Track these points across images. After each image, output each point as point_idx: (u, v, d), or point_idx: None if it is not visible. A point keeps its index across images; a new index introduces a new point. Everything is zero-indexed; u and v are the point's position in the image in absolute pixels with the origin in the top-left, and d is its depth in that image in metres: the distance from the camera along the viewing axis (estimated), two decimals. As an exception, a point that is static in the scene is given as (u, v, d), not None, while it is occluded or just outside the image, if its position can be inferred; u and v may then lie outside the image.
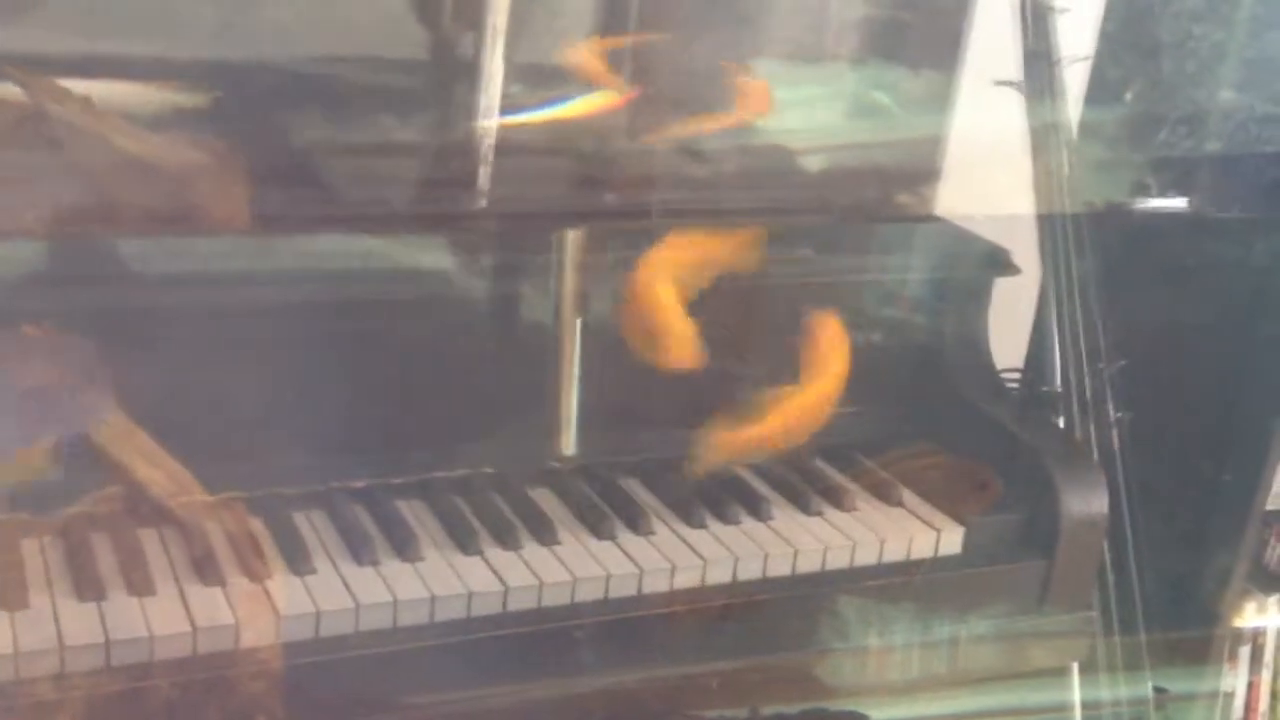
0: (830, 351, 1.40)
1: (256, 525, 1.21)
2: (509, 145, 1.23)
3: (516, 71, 1.22)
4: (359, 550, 1.20)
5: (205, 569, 1.14)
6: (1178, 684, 1.56)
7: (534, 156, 1.31)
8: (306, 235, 1.17)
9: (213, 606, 1.10)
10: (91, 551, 1.14)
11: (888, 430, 1.52)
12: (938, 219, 1.57)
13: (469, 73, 1.20)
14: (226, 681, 1.06)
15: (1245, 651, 1.71)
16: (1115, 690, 1.46)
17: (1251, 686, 1.73)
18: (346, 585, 1.16)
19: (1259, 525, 1.76)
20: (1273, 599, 1.74)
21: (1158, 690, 1.48)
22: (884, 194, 1.54)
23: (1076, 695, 1.44)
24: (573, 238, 1.26)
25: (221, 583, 1.13)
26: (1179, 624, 1.59)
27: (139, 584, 1.11)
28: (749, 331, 1.45)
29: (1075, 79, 1.51)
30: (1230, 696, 1.70)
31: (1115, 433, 1.53)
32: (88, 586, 1.09)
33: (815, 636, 1.30)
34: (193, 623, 1.08)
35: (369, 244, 1.21)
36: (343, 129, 1.21)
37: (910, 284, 1.53)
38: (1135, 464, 1.54)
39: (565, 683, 1.18)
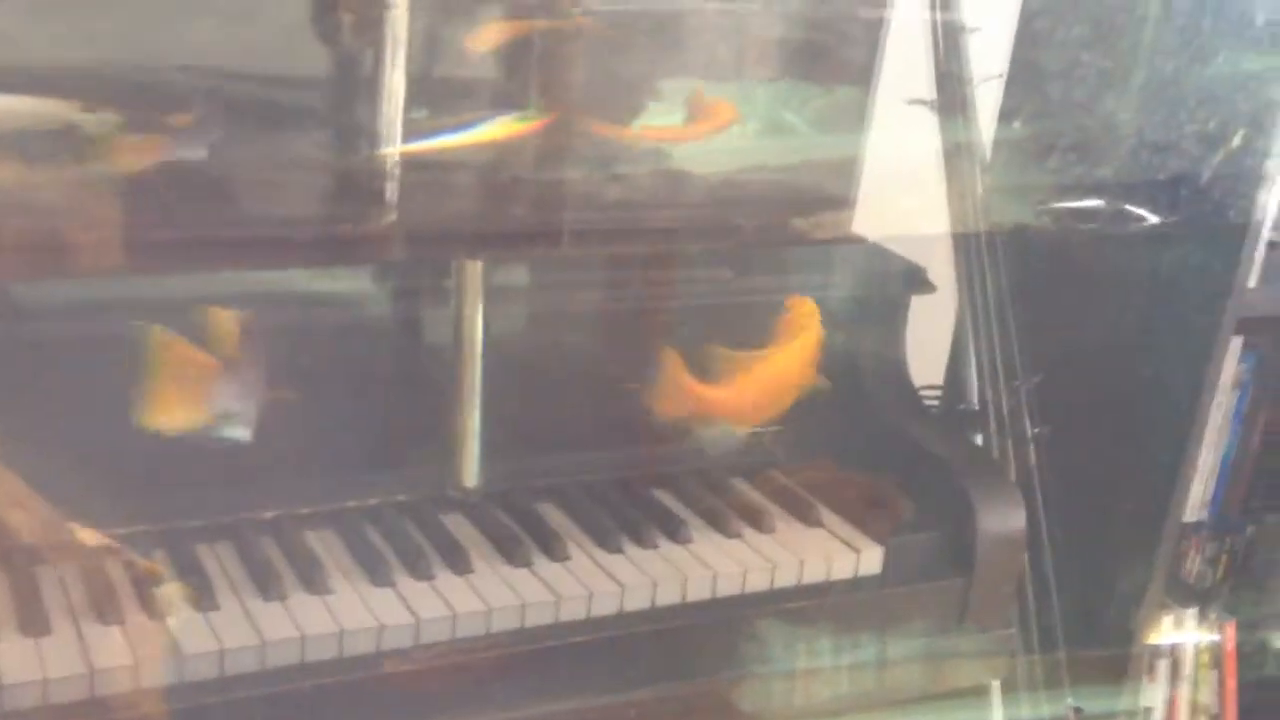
0: (801, 327, 1.39)
1: (159, 561, 1.17)
2: (412, 165, 1.21)
3: (419, 89, 1.20)
4: (266, 584, 1.17)
5: (103, 607, 1.10)
6: (1097, 701, 1.56)
7: (437, 176, 1.28)
8: (197, 260, 1.13)
9: (110, 646, 1.06)
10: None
11: (807, 450, 1.51)
12: (854, 238, 1.57)
13: (369, 90, 1.17)
14: None
15: (1164, 665, 1.72)
16: (1036, 709, 1.46)
17: (1171, 702, 1.74)
18: (252, 621, 1.13)
19: (1175, 539, 1.77)
20: (1190, 612, 1.75)
21: (1076, 710, 1.48)
22: (800, 213, 1.53)
23: (998, 714, 1.44)
24: (478, 261, 1.23)
25: (120, 621, 1.09)
26: (1098, 639, 1.60)
27: (33, 624, 1.07)
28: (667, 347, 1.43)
29: (988, 98, 1.51)
30: (1149, 712, 1.71)
31: (1032, 449, 1.53)
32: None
33: (735, 661, 1.29)
34: (90, 664, 1.04)
35: (268, 269, 1.18)
36: (237, 146, 1.18)
37: (828, 302, 1.53)
38: (1053, 480, 1.54)
39: (479, 717, 1.15)
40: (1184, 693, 1.75)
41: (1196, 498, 1.81)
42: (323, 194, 1.24)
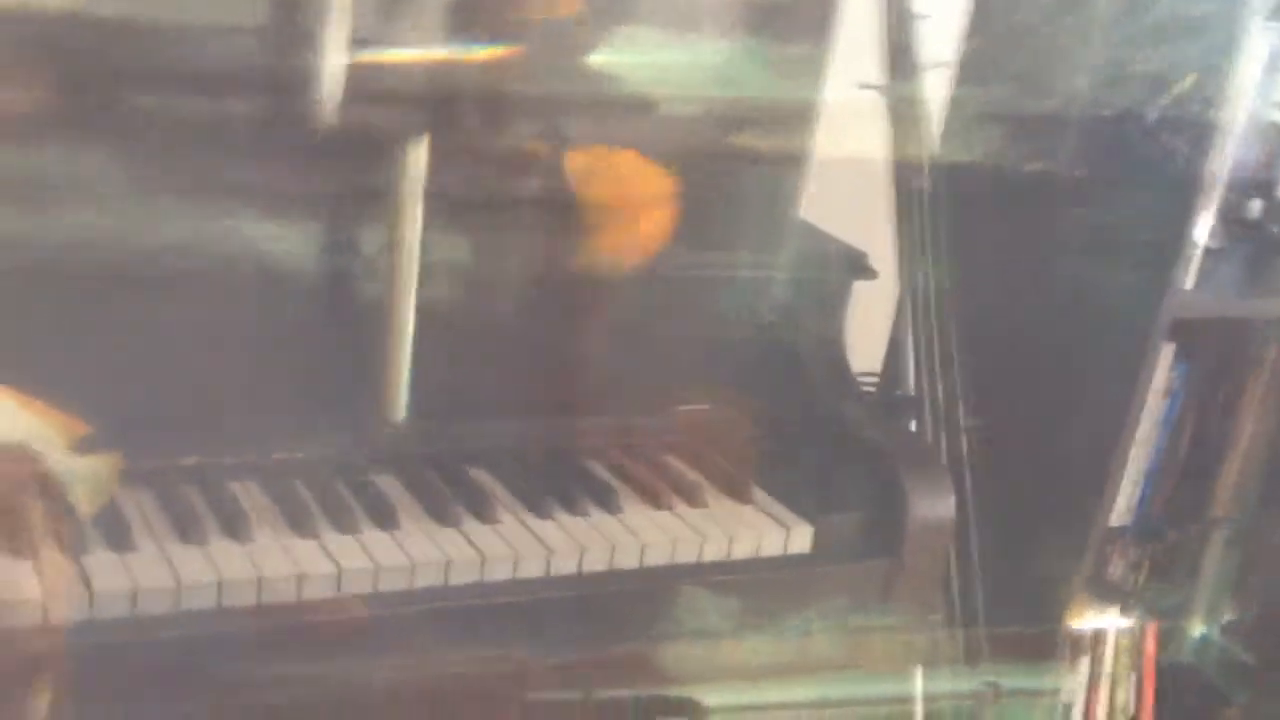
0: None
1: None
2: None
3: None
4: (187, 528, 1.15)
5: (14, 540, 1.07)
6: (1016, 680, 1.57)
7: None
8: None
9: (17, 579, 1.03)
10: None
11: (741, 428, 1.51)
12: (799, 221, 1.57)
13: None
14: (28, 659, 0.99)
15: (1084, 662, 1.74)
16: (955, 686, 1.46)
17: (1089, 699, 1.76)
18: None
19: (1100, 542, 1.79)
20: (1112, 610, 1.77)
21: (992, 686, 1.49)
22: (746, 192, 1.53)
23: (918, 692, 1.45)
24: (418, 201, 1.22)
25: (32, 555, 1.06)
26: (1021, 632, 1.61)
27: None
28: (606, 320, 1.43)
29: (937, 86, 1.52)
30: (1068, 697, 1.73)
31: (964, 439, 1.54)
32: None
33: (661, 630, 1.28)
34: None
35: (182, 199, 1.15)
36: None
37: (768, 283, 1.53)
38: (984, 471, 1.55)
39: (398, 665, 1.14)
40: (1103, 692, 1.76)
41: (1123, 502, 1.83)
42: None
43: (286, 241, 1.26)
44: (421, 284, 1.26)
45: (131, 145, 1.19)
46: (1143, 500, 1.87)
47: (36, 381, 1.08)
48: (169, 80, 1.19)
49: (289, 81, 1.18)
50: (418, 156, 1.20)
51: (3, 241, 1.11)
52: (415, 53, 1.24)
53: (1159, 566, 1.92)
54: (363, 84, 1.19)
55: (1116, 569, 1.89)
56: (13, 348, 1.05)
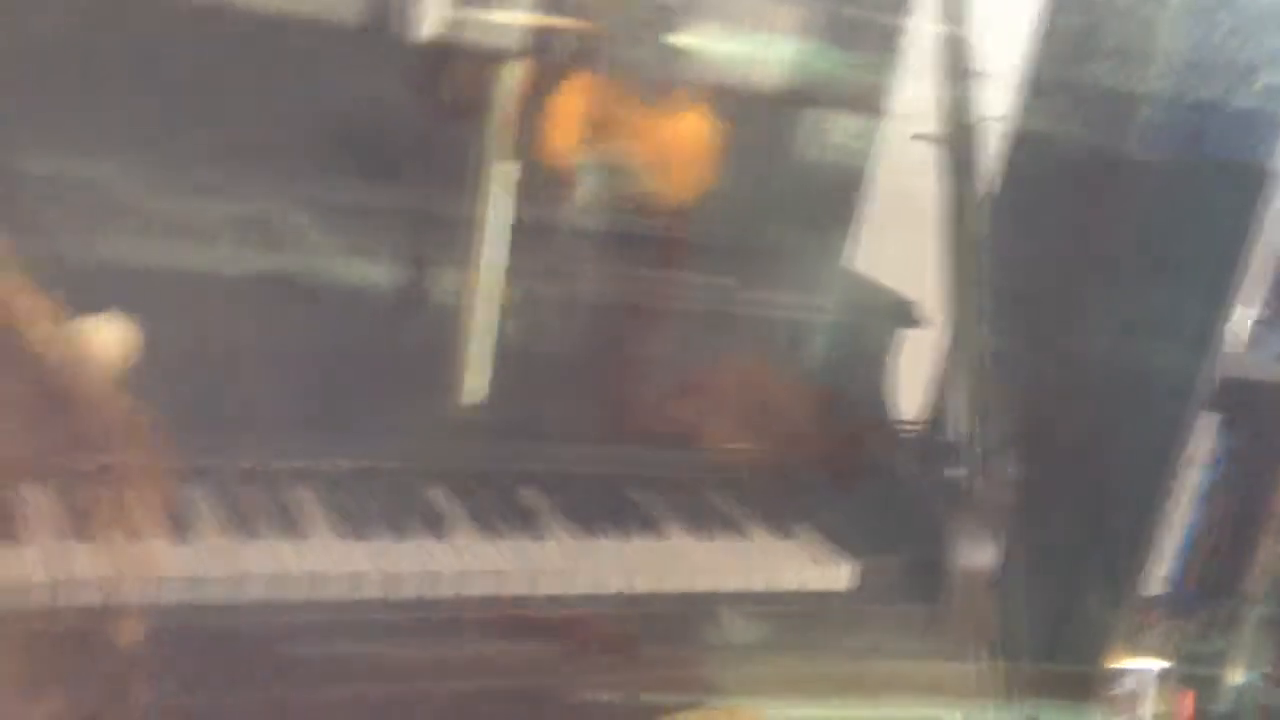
0: None
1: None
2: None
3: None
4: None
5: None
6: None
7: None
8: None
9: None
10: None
11: (786, 468, 1.52)
12: (849, 269, 1.60)
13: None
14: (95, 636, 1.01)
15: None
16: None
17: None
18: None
19: (1136, 609, 1.79)
20: (1147, 675, 1.76)
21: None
22: (800, 237, 1.56)
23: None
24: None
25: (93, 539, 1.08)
26: (1058, 681, 1.60)
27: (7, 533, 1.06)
28: (660, 350, 1.45)
29: (991, 137, 1.55)
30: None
31: (1008, 490, 1.54)
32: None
33: (698, 651, 1.29)
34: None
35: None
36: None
37: (817, 324, 1.55)
38: (1024, 523, 1.55)
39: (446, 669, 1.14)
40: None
41: (1159, 571, 1.83)
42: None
43: (358, 255, 1.29)
44: (488, 305, 1.29)
45: (210, 155, 1.23)
46: (1178, 571, 1.86)
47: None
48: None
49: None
50: (506, 176, 1.22)
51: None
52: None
53: (1192, 638, 1.91)
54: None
55: (1150, 637, 1.88)
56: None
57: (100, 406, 0.96)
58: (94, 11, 1.16)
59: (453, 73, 1.18)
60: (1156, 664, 1.74)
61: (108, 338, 1.05)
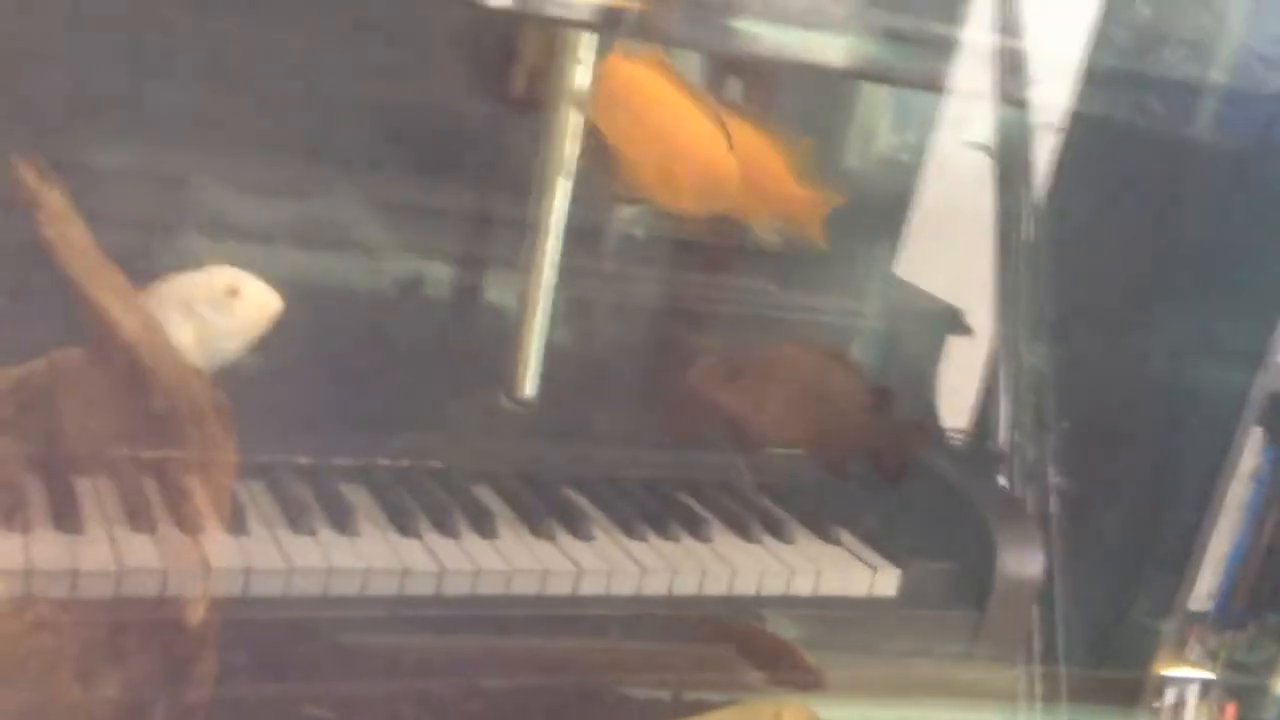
0: None
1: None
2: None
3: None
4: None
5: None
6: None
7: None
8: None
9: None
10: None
11: (829, 474, 1.53)
12: (898, 276, 1.60)
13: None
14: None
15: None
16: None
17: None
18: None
19: (1181, 623, 1.77)
20: (1191, 690, 1.75)
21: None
22: (847, 241, 1.56)
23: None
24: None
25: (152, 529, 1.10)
26: (1101, 688, 1.60)
27: (69, 523, 1.08)
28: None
29: (1043, 145, 1.55)
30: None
31: (1053, 497, 1.54)
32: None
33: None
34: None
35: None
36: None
37: (864, 331, 1.56)
38: (1069, 532, 1.55)
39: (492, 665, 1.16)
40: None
41: (1204, 587, 1.81)
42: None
43: (413, 254, 1.31)
44: (540, 306, 1.30)
45: (263, 151, 1.25)
46: (1225, 586, 1.85)
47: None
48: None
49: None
50: (564, 176, 1.23)
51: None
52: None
53: (1237, 654, 1.89)
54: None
55: (1194, 652, 1.86)
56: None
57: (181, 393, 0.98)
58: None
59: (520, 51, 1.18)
60: (1200, 675, 1.73)
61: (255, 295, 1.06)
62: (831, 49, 1.31)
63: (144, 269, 1.05)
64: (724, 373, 1.34)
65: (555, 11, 1.13)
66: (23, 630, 0.88)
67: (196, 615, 0.94)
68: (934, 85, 1.45)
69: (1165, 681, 1.69)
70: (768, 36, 1.25)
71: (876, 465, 1.40)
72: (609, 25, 1.13)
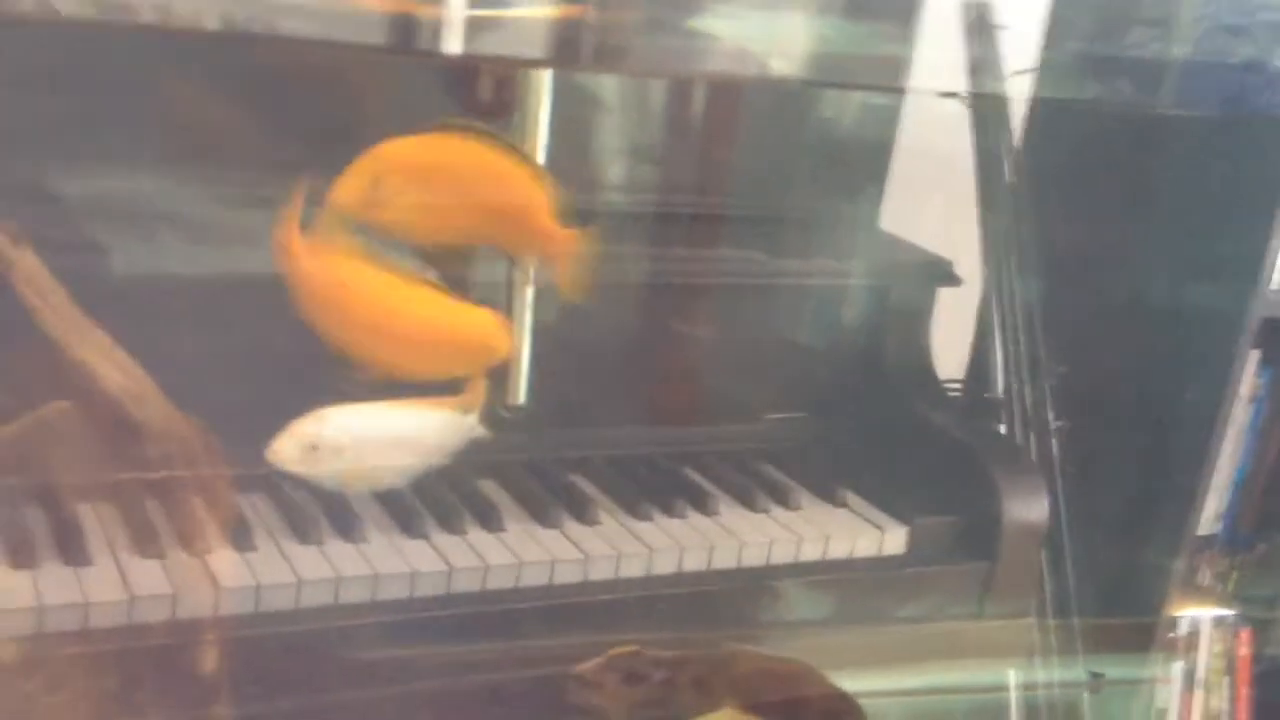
0: None
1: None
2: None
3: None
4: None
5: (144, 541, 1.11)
6: (1115, 670, 1.58)
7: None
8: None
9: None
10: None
11: (833, 436, 1.53)
12: (884, 231, 1.60)
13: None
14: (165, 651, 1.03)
15: (1177, 667, 1.73)
16: (1050, 681, 1.47)
17: (1184, 697, 1.75)
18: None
19: (1190, 549, 1.78)
20: (1204, 615, 1.76)
21: (1094, 676, 1.49)
22: (830, 200, 1.56)
23: (1012, 695, 1.45)
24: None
25: (160, 555, 1.11)
26: (1115, 633, 1.61)
27: (75, 554, 1.08)
28: (700, 326, 1.46)
29: (1019, 90, 1.54)
30: (1164, 713, 1.72)
31: (1054, 441, 1.55)
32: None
33: (756, 628, 1.30)
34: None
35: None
36: None
37: (854, 290, 1.55)
38: (1071, 473, 1.56)
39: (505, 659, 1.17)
40: (1197, 697, 1.75)
41: (1210, 510, 1.82)
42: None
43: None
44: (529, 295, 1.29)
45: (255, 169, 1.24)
46: (1232, 509, 1.86)
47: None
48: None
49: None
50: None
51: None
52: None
53: (1248, 575, 1.90)
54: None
55: (1205, 577, 1.87)
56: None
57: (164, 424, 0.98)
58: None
59: (481, 84, 1.18)
60: (1213, 610, 1.74)
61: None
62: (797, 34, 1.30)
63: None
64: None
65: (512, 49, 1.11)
66: (35, 689, 0.88)
67: (211, 662, 0.95)
68: (899, 64, 1.44)
69: (1178, 622, 1.70)
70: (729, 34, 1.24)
71: (875, 434, 1.40)
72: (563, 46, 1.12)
